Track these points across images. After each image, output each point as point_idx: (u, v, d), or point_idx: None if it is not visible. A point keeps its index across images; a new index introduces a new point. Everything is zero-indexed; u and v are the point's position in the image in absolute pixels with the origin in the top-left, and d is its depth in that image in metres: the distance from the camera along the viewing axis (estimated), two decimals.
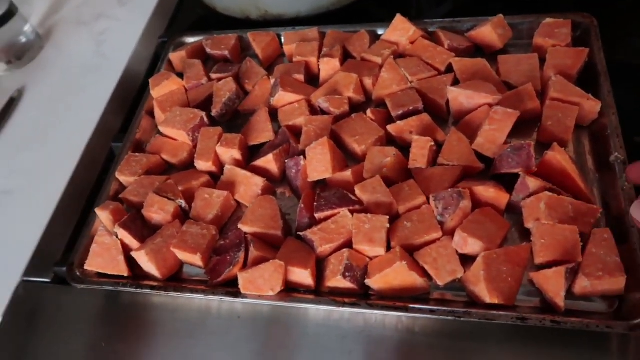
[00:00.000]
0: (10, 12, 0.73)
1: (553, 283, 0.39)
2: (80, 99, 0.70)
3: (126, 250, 0.50)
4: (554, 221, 0.41)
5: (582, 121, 0.51)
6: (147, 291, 0.48)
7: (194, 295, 0.47)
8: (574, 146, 0.50)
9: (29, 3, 0.85)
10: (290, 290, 0.46)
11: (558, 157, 0.44)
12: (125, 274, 0.50)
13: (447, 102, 0.54)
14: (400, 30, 0.60)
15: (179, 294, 0.47)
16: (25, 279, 0.55)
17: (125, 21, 0.78)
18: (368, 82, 0.58)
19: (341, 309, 0.43)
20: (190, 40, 0.71)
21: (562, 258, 0.40)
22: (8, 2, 0.73)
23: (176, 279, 0.50)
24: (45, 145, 0.66)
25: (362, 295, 0.44)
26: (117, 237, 0.51)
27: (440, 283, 0.42)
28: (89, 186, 0.64)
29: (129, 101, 0.72)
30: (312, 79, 0.63)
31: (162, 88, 0.63)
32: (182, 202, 0.52)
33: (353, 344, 0.44)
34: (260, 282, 0.44)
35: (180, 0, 0.83)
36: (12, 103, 0.72)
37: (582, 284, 0.39)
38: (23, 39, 0.76)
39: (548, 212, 0.41)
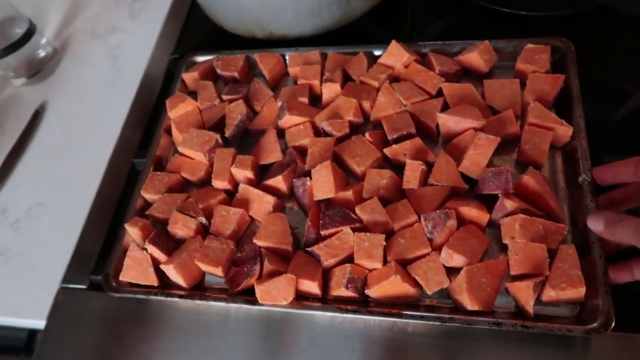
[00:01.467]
0: (30, 31, 0.78)
1: (524, 293, 0.46)
2: (100, 113, 0.75)
3: (155, 262, 0.57)
4: (526, 239, 0.48)
5: (557, 143, 0.57)
6: (176, 299, 0.55)
7: (217, 303, 0.54)
8: (549, 165, 0.57)
9: (42, 16, 0.89)
10: (300, 298, 0.53)
11: (532, 181, 0.51)
12: (156, 284, 0.57)
13: (437, 124, 0.60)
14: (395, 56, 0.65)
15: (203, 301, 0.55)
16: (64, 285, 0.62)
17: (137, 34, 0.82)
18: (366, 105, 0.64)
19: (344, 315, 0.50)
20: (201, 59, 0.76)
21: (532, 271, 0.47)
22: (28, 21, 0.78)
23: (199, 287, 0.58)
24: (71, 159, 0.72)
25: (362, 302, 0.52)
26: (146, 251, 0.57)
27: (429, 292, 0.49)
28: (115, 198, 0.71)
29: (147, 116, 0.78)
30: (316, 100, 0.69)
31: (179, 109, 0.68)
32: (203, 219, 0.59)
33: (355, 343, 0.51)
34: (275, 292, 0.51)
35: (188, 14, 0.88)
36: (37, 116, 0.77)
37: (549, 294, 0.46)
38: (42, 53, 0.80)
39: (521, 231, 0.48)
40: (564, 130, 0.55)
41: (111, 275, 0.58)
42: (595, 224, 0.47)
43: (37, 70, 0.81)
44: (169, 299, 0.55)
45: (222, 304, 0.54)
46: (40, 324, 0.60)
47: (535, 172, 0.52)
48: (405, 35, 0.67)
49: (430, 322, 0.48)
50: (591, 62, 0.62)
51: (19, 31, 0.76)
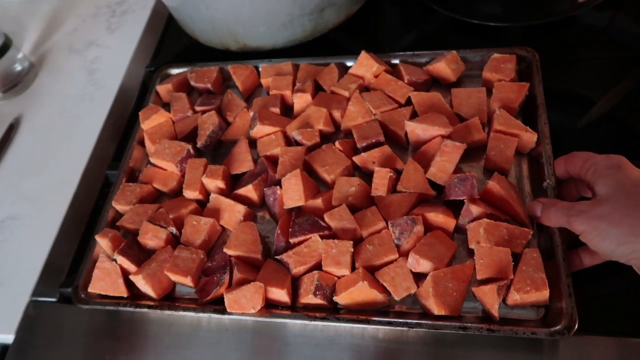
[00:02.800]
0: (5, 46, 0.78)
1: (488, 297, 0.46)
2: (75, 126, 0.75)
3: (125, 273, 0.57)
4: (491, 244, 0.48)
5: (522, 149, 0.58)
6: (145, 310, 0.55)
7: (187, 313, 0.54)
8: (515, 171, 0.58)
9: (20, 29, 0.89)
10: (269, 306, 0.52)
11: (497, 186, 0.51)
12: (125, 295, 0.56)
13: (406, 133, 0.61)
14: (365, 66, 0.66)
15: (172, 312, 0.54)
16: (34, 298, 0.61)
17: (114, 49, 0.83)
18: (337, 114, 0.64)
19: (313, 322, 0.50)
20: (175, 71, 0.76)
21: (497, 275, 0.48)
22: (3, 35, 0.78)
23: (170, 298, 0.57)
24: (45, 172, 0.71)
25: (331, 310, 0.52)
26: (116, 262, 0.57)
27: (397, 298, 0.49)
28: (88, 211, 0.70)
29: (121, 129, 0.78)
30: (287, 110, 0.69)
31: (152, 121, 0.69)
32: (173, 230, 0.58)
33: (326, 352, 0.51)
34: (243, 301, 0.51)
35: (165, 28, 0.89)
36: (12, 130, 0.77)
37: (513, 297, 0.46)
38: (17, 67, 0.81)
39: (486, 235, 0.49)
40: (529, 137, 0.56)
41: (80, 287, 0.58)
42: (533, 210, 0.50)
43: (13, 85, 0.81)
44: (138, 310, 0.55)
45: (192, 314, 0.54)
46: (9, 338, 0.59)
47: (501, 178, 0.53)
48: (377, 47, 0.68)
49: (398, 328, 0.48)
50: (556, 71, 0.63)
51: None
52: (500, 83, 0.61)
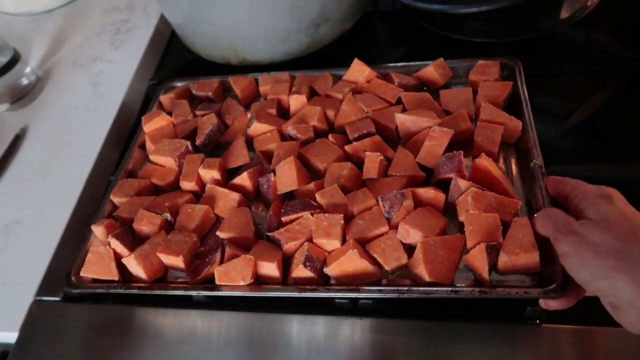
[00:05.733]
0: (14, 59, 0.83)
1: (478, 259, 0.46)
2: (80, 136, 0.78)
3: (117, 257, 0.57)
4: (479, 211, 0.49)
5: (509, 139, 0.60)
6: (136, 291, 0.54)
7: (176, 292, 0.53)
8: (503, 160, 0.59)
9: (28, 46, 0.95)
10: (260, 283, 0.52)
11: (485, 162, 0.53)
12: (116, 278, 0.56)
13: (397, 127, 0.63)
14: (357, 71, 0.70)
15: (162, 291, 0.54)
16: (38, 298, 0.61)
17: (118, 63, 0.88)
18: (330, 113, 0.67)
19: (303, 294, 0.49)
20: (178, 84, 0.80)
21: (487, 240, 0.47)
22: (12, 50, 0.83)
23: (161, 281, 0.57)
24: (50, 179, 0.73)
25: (321, 283, 0.51)
26: (110, 246, 0.57)
27: (388, 268, 0.49)
28: (91, 216, 0.70)
29: (124, 138, 0.81)
30: (284, 113, 0.72)
31: (153, 123, 0.71)
32: (168, 216, 0.59)
33: (320, 345, 0.51)
34: (233, 274, 0.50)
35: (167, 44, 0.94)
36: (18, 140, 0.80)
37: (503, 260, 0.46)
38: (25, 81, 0.85)
39: (474, 203, 0.49)
40: (514, 125, 0.59)
41: (73, 273, 0.58)
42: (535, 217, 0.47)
43: (20, 97, 0.85)
44: (128, 291, 0.54)
45: (182, 292, 0.53)
46: (13, 336, 0.59)
47: (488, 158, 0.54)
48: (369, 61, 0.72)
49: (388, 296, 0.48)
50: (538, 84, 0.66)
51: (2, 59, 0.81)
52: (485, 83, 0.65)
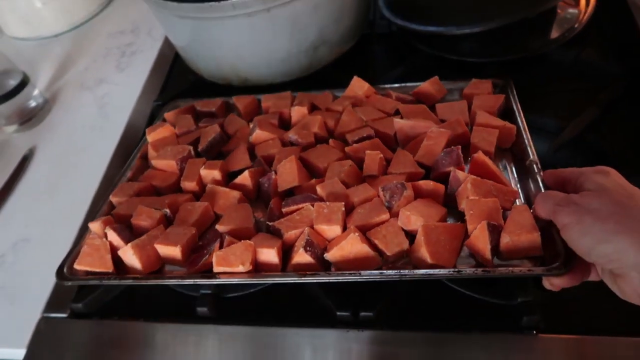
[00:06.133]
0: (23, 82, 0.85)
1: (480, 239, 0.46)
2: (86, 156, 0.80)
3: (114, 251, 0.56)
4: (479, 197, 0.49)
5: (505, 144, 0.61)
6: (130, 282, 0.53)
7: (171, 281, 0.52)
8: (500, 165, 0.60)
9: (36, 69, 0.98)
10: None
11: (482, 156, 0.54)
12: (110, 270, 0.55)
13: (395, 134, 0.65)
14: (357, 87, 0.73)
15: (157, 281, 0.53)
16: (45, 315, 0.60)
17: (123, 85, 0.90)
18: (331, 123, 0.69)
19: (304, 279, 0.48)
20: (182, 104, 0.82)
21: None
22: (22, 73, 0.86)
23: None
24: (57, 198, 0.74)
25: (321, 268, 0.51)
26: (106, 238, 0.57)
27: (389, 253, 0.49)
28: None
29: (130, 156, 0.81)
30: (285, 125, 0.74)
31: (157, 134, 0.73)
32: (167, 211, 0.59)
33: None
34: (232, 258, 0.50)
35: (171, 66, 0.98)
36: (25, 160, 0.81)
37: (505, 240, 0.46)
38: (33, 103, 0.87)
39: (473, 189, 0.50)
40: (509, 129, 0.60)
41: (66, 266, 0.57)
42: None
43: (28, 118, 0.87)
44: (123, 282, 0.53)
45: (178, 281, 0.52)
46: (20, 353, 0.58)
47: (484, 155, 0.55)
48: (368, 81, 0.75)
49: (390, 279, 0.47)
50: (530, 102, 0.68)
51: (12, 82, 0.84)
52: (479, 95, 0.67)
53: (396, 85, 0.75)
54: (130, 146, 0.82)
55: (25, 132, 0.87)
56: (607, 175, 0.43)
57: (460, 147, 0.55)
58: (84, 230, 0.67)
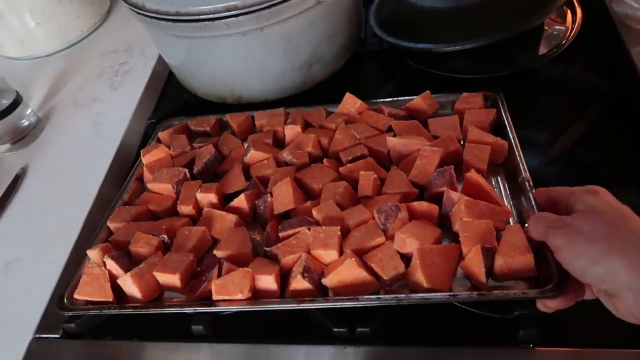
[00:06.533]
0: (16, 102, 0.85)
1: (474, 262, 0.47)
2: (80, 174, 0.79)
3: (113, 279, 0.56)
4: (473, 218, 0.50)
5: (497, 159, 0.62)
6: (130, 311, 0.53)
7: (171, 310, 0.53)
8: (492, 181, 0.61)
9: (28, 88, 0.99)
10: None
11: (475, 175, 0.55)
12: (111, 299, 0.55)
13: (388, 152, 0.66)
14: (349, 104, 0.74)
15: (158, 309, 0.53)
16: (37, 335, 0.60)
17: (117, 104, 0.91)
18: (324, 141, 0.70)
19: (302, 305, 0.49)
20: (176, 122, 0.83)
21: (481, 244, 0.48)
22: (14, 92, 0.86)
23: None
24: (50, 217, 0.74)
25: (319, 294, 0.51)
26: (105, 267, 0.57)
27: (386, 277, 0.49)
28: None
29: (124, 176, 0.81)
30: (279, 144, 0.74)
31: (152, 155, 0.73)
32: (165, 237, 0.59)
33: None
34: (231, 286, 0.50)
35: (165, 85, 0.98)
36: (18, 180, 0.81)
37: (499, 263, 0.47)
38: (25, 122, 0.87)
39: (467, 211, 0.51)
40: (501, 145, 0.61)
41: (67, 296, 0.57)
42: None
43: (21, 137, 0.87)
44: (122, 311, 0.54)
45: (178, 310, 0.53)
46: None
47: (477, 173, 0.56)
48: (360, 97, 0.75)
49: (387, 303, 0.48)
50: (520, 116, 0.69)
51: (5, 102, 0.84)
52: (470, 110, 0.68)
53: (388, 99, 0.76)
54: (124, 165, 0.83)
55: (18, 151, 0.87)
56: (597, 195, 0.44)
57: (452, 167, 0.56)
58: (77, 250, 0.68)
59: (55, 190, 0.78)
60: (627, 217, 0.41)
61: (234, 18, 0.70)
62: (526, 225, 0.50)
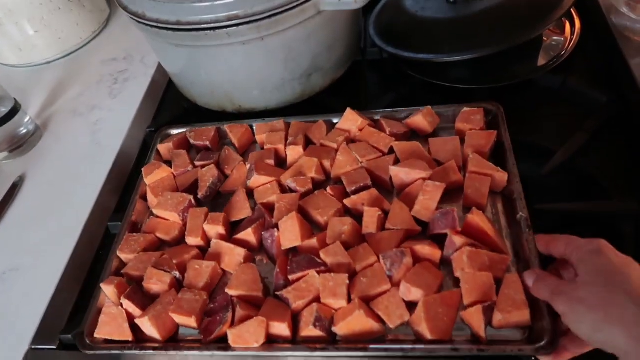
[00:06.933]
0: (15, 109, 0.84)
1: (475, 318, 0.50)
2: (78, 183, 0.79)
3: (130, 318, 0.59)
4: (474, 270, 0.53)
5: (496, 188, 0.64)
6: (150, 352, 0.57)
7: (191, 352, 0.56)
8: (491, 208, 0.63)
9: (27, 95, 0.97)
10: (271, 342, 0.55)
11: (476, 218, 0.57)
12: (130, 339, 0.58)
13: (391, 177, 0.67)
14: (350, 121, 0.74)
15: (177, 352, 0.56)
16: (33, 346, 0.62)
17: (116, 112, 0.89)
18: (327, 163, 0.70)
19: (314, 353, 0.53)
20: (175, 131, 0.82)
21: (482, 298, 0.52)
22: (13, 100, 0.84)
23: (173, 340, 0.59)
24: (47, 226, 0.75)
25: (330, 341, 0.54)
26: (122, 306, 0.59)
27: (392, 326, 0.53)
28: (89, 261, 0.73)
29: (122, 184, 0.82)
30: (281, 162, 0.75)
31: (154, 176, 0.74)
32: (177, 274, 0.62)
33: None
34: (247, 336, 0.53)
35: (164, 93, 0.96)
36: (15, 188, 0.81)
37: (498, 318, 0.50)
38: (23, 130, 0.86)
39: (469, 262, 0.53)
40: (501, 176, 0.63)
41: (86, 333, 0.59)
42: (527, 279, 0.52)
43: (19, 145, 0.86)
44: (143, 352, 0.57)
45: (197, 353, 0.56)
46: None
47: (479, 212, 0.58)
48: (359, 106, 0.75)
49: (394, 354, 0.52)
50: (519, 126, 0.70)
51: (3, 110, 0.83)
52: (471, 132, 0.69)
53: (388, 110, 0.76)
54: (122, 173, 0.83)
55: (16, 159, 0.86)
56: (600, 255, 0.45)
57: (455, 210, 0.58)
58: (74, 260, 0.69)
59: (53, 199, 0.78)
60: (627, 273, 0.43)
61: (235, 27, 0.69)
62: (526, 276, 0.52)
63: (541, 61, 0.79)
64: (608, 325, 0.41)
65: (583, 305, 0.43)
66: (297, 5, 0.69)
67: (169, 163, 0.77)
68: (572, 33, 0.80)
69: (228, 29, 0.69)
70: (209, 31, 0.70)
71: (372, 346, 0.52)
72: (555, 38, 0.82)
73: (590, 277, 0.44)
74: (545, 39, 0.82)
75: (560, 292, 0.45)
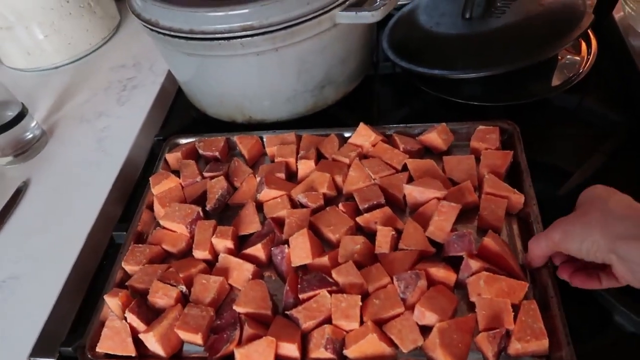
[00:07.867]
0: (22, 114, 0.83)
1: (483, 345, 0.50)
2: (83, 190, 0.78)
3: (134, 332, 0.57)
4: (491, 295, 0.52)
5: (512, 210, 0.63)
6: None
7: None
8: (507, 231, 0.62)
9: (34, 100, 0.96)
10: None
11: (492, 242, 0.56)
12: (133, 354, 0.56)
13: (404, 195, 0.66)
14: (363, 136, 0.73)
15: None
16: (32, 359, 0.60)
17: (124, 119, 0.88)
18: (339, 179, 0.69)
19: None
20: (183, 141, 0.81)
21: (498, 325, 0.50)
22: (20, 104, 0.83)
23: (177, 357, 0.57)
24: (50, 234, 0.73)
25: None
26: (125, 320, 0.58)
27: (405, 350, 0.51)
28: (92, 271, 0.71)
29: (128, 192, 0.81)
30: (292, 176, 0.74)
31: (162, 186, 0.72)
32: (183, 288, 0.60)
33: None
34: (255, 356, 0.52)
35: (173, 101, 0.95)
36: (19, 193, 0.80)
37: (515, 346, 0.49)
38: (29, 135, 0.85)
39: (486, 288, 0.52)
40: (517, 198, 0.62)
41: (87, 347, 0.58)
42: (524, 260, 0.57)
43: (24, 150, 0.84)
44: None
45: None
46: None
47: (495, 235, 0.57)
48: (371, 121, 0.74)
49: None
50: (534, 146, 0.69)
51: (10, 114, 0.81)
52: (487, 151, 0.68)
53: (402, 125, 0.75)
54: (128, 181, 0.82)
55: (21, 164, 0.84)
56: (588, 190, 0.51)
57: (471, 232, 0.56)
58: (77, 270, 0.68)
59: (57, 205, 0.77)
60: (605, 198, 0.48)
61: (249, 38, 0.68)
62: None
63: (556, 80, 0.79)
64: (590, 230, 0.45)
65: (570, 224, 0.48)
66: (313, 18, 0.68)
67: (176, 173, 0.76)
68: (589, 53, 0.79)
69: (242, 39, 0.68)
70: (222, 41, 0.69)
71: None
72: (569, 57, 0.81)
73: (578, 209, 0.50)
74: (560, 57, 0.81)
75: (553, 226, 0.50)
